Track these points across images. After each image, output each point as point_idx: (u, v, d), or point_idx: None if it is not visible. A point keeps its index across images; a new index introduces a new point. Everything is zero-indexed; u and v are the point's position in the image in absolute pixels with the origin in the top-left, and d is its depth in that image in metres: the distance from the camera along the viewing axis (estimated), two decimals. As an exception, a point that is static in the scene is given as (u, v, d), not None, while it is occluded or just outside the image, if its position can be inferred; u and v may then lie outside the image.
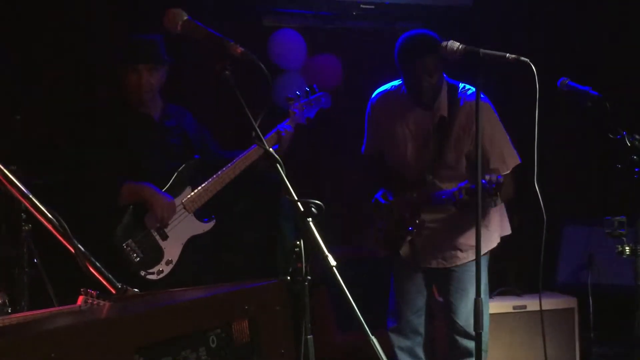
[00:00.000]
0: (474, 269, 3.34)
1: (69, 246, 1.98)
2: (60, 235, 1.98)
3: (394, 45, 3.91)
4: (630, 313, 3.64)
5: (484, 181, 3.51)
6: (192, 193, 3.91)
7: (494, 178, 3.54)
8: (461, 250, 3.96)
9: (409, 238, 3.98)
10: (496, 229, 4.02)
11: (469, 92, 3.89)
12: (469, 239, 3.87)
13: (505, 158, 3.89)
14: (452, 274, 4.00)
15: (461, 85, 3.94)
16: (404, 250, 4.02)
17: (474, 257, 3.70)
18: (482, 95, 3.80)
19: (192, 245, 3.92)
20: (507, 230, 4.08)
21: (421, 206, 3.92)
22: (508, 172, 3.87)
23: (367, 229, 4.17)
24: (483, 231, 3.91)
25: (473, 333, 3.33)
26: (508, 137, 3.93)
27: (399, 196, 3.97)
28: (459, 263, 3.97)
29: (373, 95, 4.12)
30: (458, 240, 3.96)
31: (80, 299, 1.95)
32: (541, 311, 3.67)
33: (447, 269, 4.00)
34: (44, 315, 1.83)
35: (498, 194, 3.55)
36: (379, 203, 3.99)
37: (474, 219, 3.26)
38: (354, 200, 5.24)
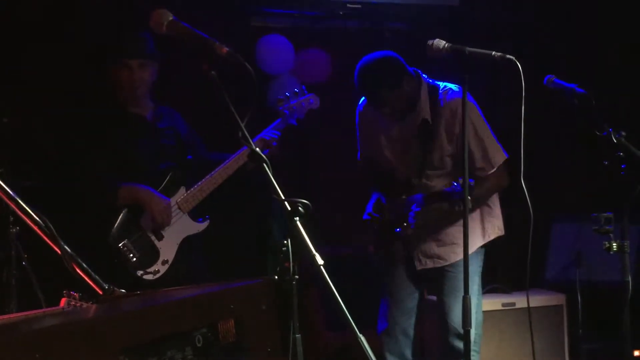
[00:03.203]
0: (469, 266, 3.35)
1: (55, 247, 1.97)
2: (47, 237, 1.97)
3: (381, 44, 3.91)
4: (618, 309, 3.65)
5: (458, 185, 3.52)
6: (187, 193, 3.91)
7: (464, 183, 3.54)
8: (458, 245, 3.89)
9: (398, 239, 3.98)
10: (493, 216, 4.01)
11: (449, 93, 3.89)
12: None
13: (491, 156, 3.90)
14: (446, 273, 3.99)
15: (442, 85, 3.94)
16: (396, 251, 4.02)
17: (471, 250, 3.71)
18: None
19: (187, 245, 3.93)
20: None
21: (410, 208, 3.91)
22: (494, 170, 3.89)
23: (361, 228, 4.17)
24: (480, 223, 3.94)
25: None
26: (492, 135, 3.94)
27: (390, 199, 3.97)
28: (457, 259, 3.93)
29: (359, 103, 4.14)
30: (454, 234, 3.94)
31: (63, 301, 1.94)
32: (529, 308, 3.69)
33: (442, 268, 3.99)
34: (27, 317, 1.83)
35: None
36: (371, 216, 3.98)
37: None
38: (346, 199, 5.24)
